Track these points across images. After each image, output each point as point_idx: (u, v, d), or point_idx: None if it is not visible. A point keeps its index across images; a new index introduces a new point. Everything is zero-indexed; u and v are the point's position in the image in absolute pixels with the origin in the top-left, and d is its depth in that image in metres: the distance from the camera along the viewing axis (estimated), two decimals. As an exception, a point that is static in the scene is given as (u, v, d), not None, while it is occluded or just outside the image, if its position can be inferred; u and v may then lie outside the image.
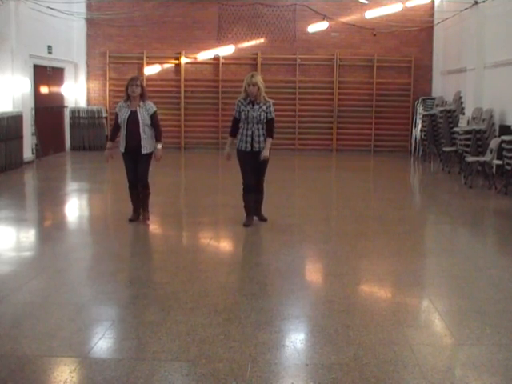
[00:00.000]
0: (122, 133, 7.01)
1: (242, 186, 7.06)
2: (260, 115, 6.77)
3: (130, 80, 7.01)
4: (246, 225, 7.07)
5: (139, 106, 6.96)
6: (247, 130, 6.82)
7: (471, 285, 5.10)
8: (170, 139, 16.32)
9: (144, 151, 6.98)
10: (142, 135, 6.93)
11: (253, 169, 6.94)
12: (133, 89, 6.90)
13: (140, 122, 6.91)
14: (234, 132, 7.04)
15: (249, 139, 6.82)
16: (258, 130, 6.81)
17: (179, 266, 5.56)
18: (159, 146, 7.09)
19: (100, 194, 10.37)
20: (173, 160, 14.89)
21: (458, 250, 6.42)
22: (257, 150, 6.84)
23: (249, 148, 6.84)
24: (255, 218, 7.27)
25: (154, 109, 7.05)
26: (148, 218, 7.27)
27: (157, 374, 3.38)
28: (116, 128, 7.16)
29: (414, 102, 15.72)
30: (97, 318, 4.29)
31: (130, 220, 7.29)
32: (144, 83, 7.03)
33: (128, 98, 6.98)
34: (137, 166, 7.09)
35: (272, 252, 6.15)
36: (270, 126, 6.86)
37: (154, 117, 7.01)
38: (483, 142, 10.73)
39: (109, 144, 7.30)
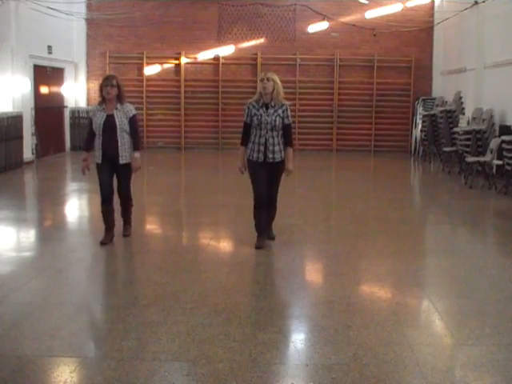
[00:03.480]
0: (97, 140, 6.07)
1: (253, 202, 6.08)
2: (275, 120, 5.81)
3: (104, 79, 6.08)
4: (258, 247, 6.06)
5: (116, 108, 6.04)
6: (260, 137, 5.85)
7: (471, 285, 5.10)
8: (170, 139, 16.40)
9: (122, 161, 6.10)
10: (120, 142, 6.04)
11: (265, 181, 5.99)
12: (107, 90, 5.96)
13: (117, 127, 6.01)
14: (246, 140, 5.99)
15: (262, 148, 5.86)
16: (273, 137, 5.85)
17: (179, 266, 5.56)
18: (137, 154, 6.16)
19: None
20: (173, 160, 14.93)
21: (458, 250, 6.42)
22: (270, 160, 5.89)
23: (261, 158, 5.88)
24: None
25: (134, 112, 6.16)
26: (130, 233, 6.51)
27: (157, 374, 3.38)
28: (91, 135, 6.14)
29: (414, 102, 15.70)
30: (97, 318, 4.29)
31: (102, 243, 6.15)
32: (121, 82, 6.10)
33: (103, 100, 6.06)
34: (113, 179, 6.26)
35: (272, 252, 6.14)
36: (288, 134, 5.96)
37: (132, 121, 6.12)
38: (483, 142, 10.73)
39: (84, 155, 6.24)
